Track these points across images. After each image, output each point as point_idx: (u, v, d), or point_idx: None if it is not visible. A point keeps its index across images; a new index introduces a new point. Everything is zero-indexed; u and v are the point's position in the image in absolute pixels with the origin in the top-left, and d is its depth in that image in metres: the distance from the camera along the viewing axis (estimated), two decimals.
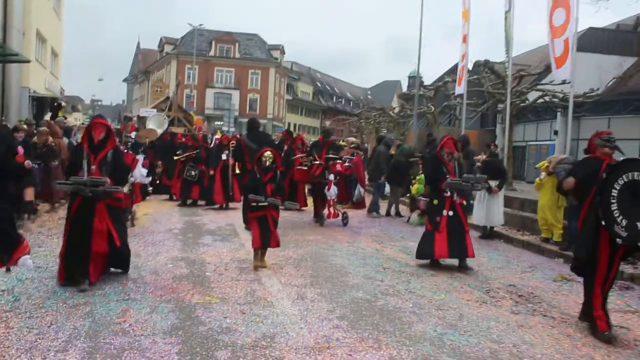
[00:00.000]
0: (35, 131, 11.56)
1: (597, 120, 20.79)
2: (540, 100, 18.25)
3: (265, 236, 7.26)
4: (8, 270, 5.34)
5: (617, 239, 5.02)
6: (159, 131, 18.51)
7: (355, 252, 8.86)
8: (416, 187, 13.20)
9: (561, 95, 17.18)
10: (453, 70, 24.25)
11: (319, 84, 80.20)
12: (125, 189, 9.09)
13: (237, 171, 12.81)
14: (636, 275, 7.69)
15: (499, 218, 10.81)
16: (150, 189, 14.57)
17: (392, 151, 14.76)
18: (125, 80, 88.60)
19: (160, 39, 66.40)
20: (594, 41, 24.43)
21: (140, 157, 11.21)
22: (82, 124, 21.98)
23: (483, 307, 6.02)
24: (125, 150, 10.74)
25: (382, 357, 4.46)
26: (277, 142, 14.45)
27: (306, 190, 14.04)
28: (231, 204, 13.66)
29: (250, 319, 5.20)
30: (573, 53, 11.01)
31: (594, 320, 5.24)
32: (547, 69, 17.04)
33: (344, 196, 11.82)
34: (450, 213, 7.72)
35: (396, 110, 33.75)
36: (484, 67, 19.70)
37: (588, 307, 5.39)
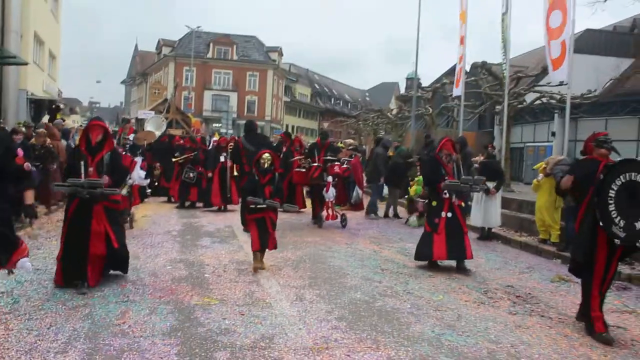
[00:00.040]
0: (33, 133, 11.56)
1: (594, 122, 20.86)
2: (538, 102, 18.32)
3: (263, 238, 7.28)
4: (11, 272, 5.34)
5: (615, 240, 5.03)
6: (157, 133, 18.55)
7: (354, 253, 8.88)
8: (414, 189, 13.24)
9: (558, 97, 17.23)
10: (451, 71, 24.33)
11: (317, 86, 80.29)
12: (124, 191, 9.12)
13: (235, 173, 12.81)
14: (634, 275, 7.72)
15: (497, 219, 10.84)
16: (149, 191, 14.59)
17: (390, 153, 14.78)
18: (123, 82, 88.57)
19: (158, 41, 66.41)
20: (591, 43, 24.53)
21: (139, 160, 11.23)
22: (80, 126, 21.95)
23: (481, 308, 6.05)
24: (124, 153, 10.76)
25: (380, 357, 4.48)
26: (275, 144, 14.49)
27: (304, 192, 14.06)
28: (229, 206, 13.68)
29: (249, 320, 5.22)
30: (570, 55, 11.07)
31: (592, 321, 5.25)
32: (545, 71, 17.07)
33: (342, 198, 11.84)
34: (449, 215, 7.75)
35: (394, 111, 33.83)
36: (481, 69, 19.76)
37: (586, 308, 5.40)
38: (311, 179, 11.59)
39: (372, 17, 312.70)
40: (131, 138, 13.88)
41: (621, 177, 5.06)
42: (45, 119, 18.93)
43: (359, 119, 40.76)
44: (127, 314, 5.27)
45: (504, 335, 5.17)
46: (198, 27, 51.70)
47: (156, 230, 10.32)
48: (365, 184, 14.63)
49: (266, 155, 7.53)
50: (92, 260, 6.04)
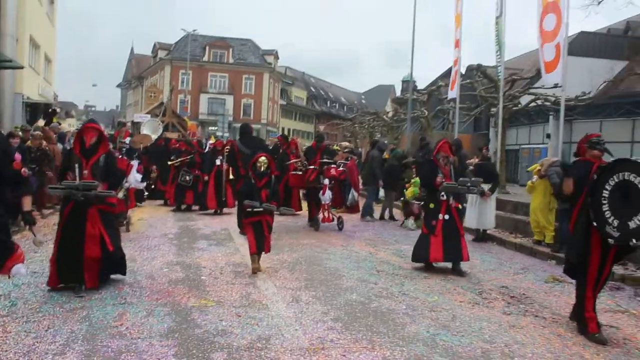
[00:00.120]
0: (30, 136, 11.58)
1: (588, 124, 20.99)
2: (533, 104, 18.39)
3: (260, 241, 7.32)
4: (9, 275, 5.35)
5: (609, 240, 5.07)
6: (154, 136, 18.59)
7: (349, 255, 8.93)
8: (411, 191, 13.28)
9: (553, 99, 17.31)
10: (447, 74, 24.42)
11: (312, 89, 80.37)
12: (120, 195, 9.15)
13: (231, 177, 12.85)
14: (627, 275, 7.79)
15: (491, 221, 10.90)
16: (146, 194, 14.63)
17: (386, 155, 14.84)
18: (119, 85, 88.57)
19: (154, 45, 66.40)
20: (585, 45, 24.67)
21: (135, 163, 11.28)
22: (76, 129, 21.97)
23: (475, 308, 6.10)
24: (120, 156, 10.80)
25: (375, 357, 4.53)
26: (271, 147, 14.53)
27: (301, 195, 14.10)
28: (225, 209, 13.70)
29: (246, 322, 5.26)
30: (564, 57, 11.15)
31: (585, 321, 5.30)
32: (539, 73, 17.18)
33: (337, 200, 11.89)
34: (446, 217, 7.79)
35: (390, 114, 33.84)
36: (476, 71, 19.83)
37: (580, 309, 5.44)
38: (307, 182, 11.63)
39: (368, 21, 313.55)
40: (127, 141, 13.93)
41: (615, 177, 5.08)
42: (41, 122, 18.89)
43: (354, 122, 40.80)
44: (125, 316, 5.30)
45: (498, 335, 5.22)
46: (194, 30, 51.89)
47: (153, 233, 10.35)
48: (361, 187, 14.68)
49: (262, 158, 7.55)
50: (88, 263, 6.05)
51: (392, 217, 13.71)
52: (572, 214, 5.65)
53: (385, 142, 18.22)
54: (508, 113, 17.13)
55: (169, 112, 25.38)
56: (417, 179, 12.68)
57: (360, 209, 13.32)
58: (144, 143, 16.22)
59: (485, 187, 10.43)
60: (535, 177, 10.05)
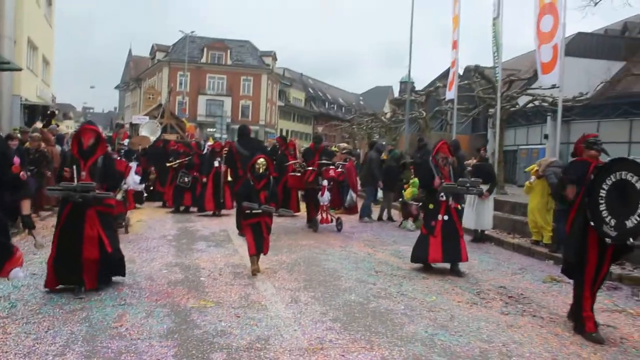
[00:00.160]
0: (28, 138, 11.59)
1: (586, 124, 21.03)
2: (530, 105, 18.44)
3: (259, 242, 7.34)
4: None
5: (607, 239, 5.10)
6: (152, 138, 18.62)
7: (348, 256, 8.95)
8: (410, 191, 13.31)
9: (551, 100, 17.36)
10: (444, 75, 24.48)
11: (311, 90, 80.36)
12: (119, 196, 9.16)
13: (229, 178, 12.85)
14: (624, 275, 7.82)
15: (489, 221, 10.93)
16: (144, 195, 14.64)
17: (384, 156, 14.86)
18: (117, 87, 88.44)
19: (152, 46, 66.34)
20: (583, 46, 24.75)
21: (133, 164, 11.29)
22: (74, 131, 21.99)
23: (474, 309, 6.13)
24: (118, 158, 10.82)
25: (374, 357, 4.55)
26: (269, 149, 14.54)
27: (299, 196, 14.11)
28: (223, 211, 13.71)
29: (245, 322, 5.28)
30: (562, 58, 11.20)
31: (583, 321, 5.32)
32: (537, 74, 17.23)
33: (336, 201, 11.91)
34: (446, 217, 7.80)
35: (388, 115, 33.89)
36: (474, 72, 19.88)
37: (577, 308, 5.47)
38: (306, 183, 11.65)
39: (367, 21, 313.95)
40: (126, 143, 13.96)
41: (612, 176, 5.12)
42: (39, 125, 18.90)
43: (353, 123, 40.81)
44: (124, 317, 5.32)
45: (496, 334, 5.24)
46: (192, 32, 51.77)
47: (152, 235, 10.36)
48: (359, 188, 14.70)
49: (261, 160, 7.55)
50: (86, 265, 6.06)
51: (390, 218, 13.73)
52: (569, 214, 5.67)
53: (384, 143, 18.28)
54: (506, 114, 17.17)
55: (167, 113, 25.40)
56: (416, 179, 12.72)
57: (359, 210, 13.34)
58: (142, 145, 16.24)
59: (483, 187, 10.46)
60: (533, 177, 10.08)
